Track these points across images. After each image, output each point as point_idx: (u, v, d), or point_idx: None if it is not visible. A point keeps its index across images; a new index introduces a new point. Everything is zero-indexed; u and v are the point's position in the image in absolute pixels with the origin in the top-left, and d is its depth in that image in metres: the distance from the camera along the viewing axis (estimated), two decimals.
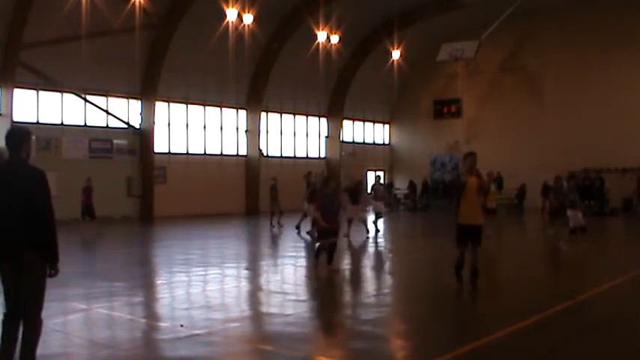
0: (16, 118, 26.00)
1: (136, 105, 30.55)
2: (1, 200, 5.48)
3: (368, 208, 22.67)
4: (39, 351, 5.60)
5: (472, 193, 10.47)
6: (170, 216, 29.87)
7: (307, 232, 19.49)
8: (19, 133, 5.65)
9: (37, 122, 27.16)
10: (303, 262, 15.00)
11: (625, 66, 34.60)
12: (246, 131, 35.21)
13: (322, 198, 13.00)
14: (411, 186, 39.98)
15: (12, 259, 5.48)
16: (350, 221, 19.60)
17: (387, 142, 44.58)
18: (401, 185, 41.66)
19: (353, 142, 41.99)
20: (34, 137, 5.95)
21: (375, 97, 41.77)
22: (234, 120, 35.00)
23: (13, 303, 5.60)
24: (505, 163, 32.57)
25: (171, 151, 32.14)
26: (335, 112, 39.75)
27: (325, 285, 11.72)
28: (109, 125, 29.72)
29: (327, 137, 40.13)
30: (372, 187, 22.84)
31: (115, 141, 29.78)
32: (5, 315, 5.69)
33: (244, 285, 11.98)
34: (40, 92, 27.44)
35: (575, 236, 18.05)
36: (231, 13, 28.59)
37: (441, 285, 11.37)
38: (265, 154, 35.76)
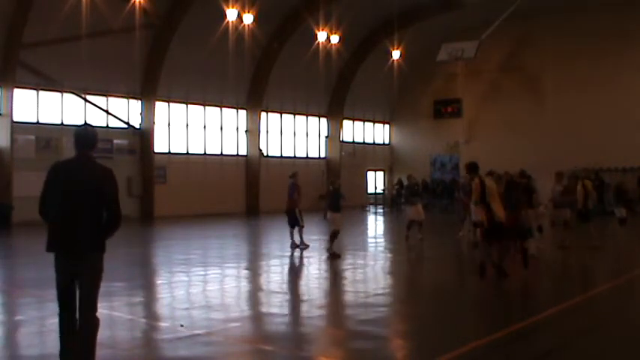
0: (16, 118, 26.01)
1: (136, 105, 30.53)
2: (71, 197, 5.54)
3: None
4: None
5: None
6: (170, 216, 29.85)
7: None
8: (92, 133, 5.82)
9: (37, 122, 27.17)
10: (303, 262, 14.97)
11: (625, 66, 34.59)
12: (246, 131, 35.20)
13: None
14: None
15: (78, 256, 5.60)
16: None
17: (387, 142, 44.55)
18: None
19: (353, 142, 41.95)
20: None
21: (375, 97, 41.73)
22: (234, 120, 34.99)
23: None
24: (505, 163, 32.43)
25: (172, 151, 32.14)
26: (335, 112, 39.74)
27: (326, 285, 11.71)
28: (109, 125, 29.70)
29: (327, 137, 40.11)
30: (406, 187, 15.97)
31: (115, 141, 29.74)
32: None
33: (244, 285, 11.99)
34: (40, 92, 27.41)
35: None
36: (231, 13, 28.54)
37: (442, 284, 11.36)
38: (265, 154, 35.76)
